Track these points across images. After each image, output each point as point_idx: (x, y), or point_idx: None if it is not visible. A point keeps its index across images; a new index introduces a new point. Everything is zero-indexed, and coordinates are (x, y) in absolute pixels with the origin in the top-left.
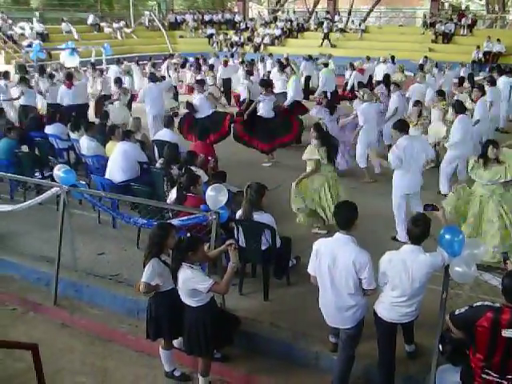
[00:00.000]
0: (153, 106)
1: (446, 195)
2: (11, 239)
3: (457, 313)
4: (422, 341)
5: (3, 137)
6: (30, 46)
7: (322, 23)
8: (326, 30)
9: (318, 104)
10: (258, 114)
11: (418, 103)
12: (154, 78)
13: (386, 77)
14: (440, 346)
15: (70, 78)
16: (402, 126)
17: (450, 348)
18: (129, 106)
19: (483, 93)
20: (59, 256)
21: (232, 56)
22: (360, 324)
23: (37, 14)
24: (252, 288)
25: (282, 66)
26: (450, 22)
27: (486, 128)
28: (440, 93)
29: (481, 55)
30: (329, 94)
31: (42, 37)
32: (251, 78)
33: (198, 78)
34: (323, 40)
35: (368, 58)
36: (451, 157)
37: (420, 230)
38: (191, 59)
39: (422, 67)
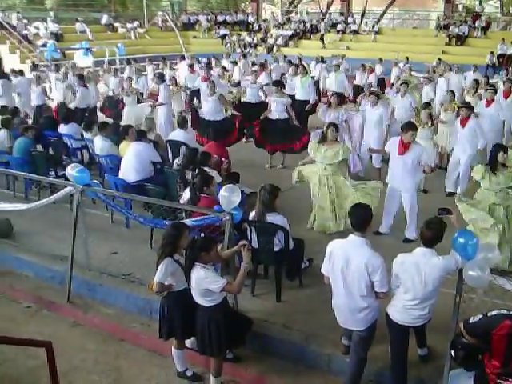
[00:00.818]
0: (165, 106)
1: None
2: (26, 237)
3: (471, 321)
4: (435, 344)
5: (19, 136)
6: (44, 45)
7: (336, 25)
8: (322, 32)
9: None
10: (270, 116)
11: (427, 105)
12: (164, 78)
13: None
14: (452, 352)
15: (82, 78)
16: (414, 127)
17: (462, 354)
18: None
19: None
20: (72, 255)
21: (244, 57)
22: (372, 326)
23: (51, 13)
24: (264, 289)
25: (297, 67)
26: (463, 24)
27: (500, 130)
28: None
29: (495, 59)
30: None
31: (57, 36)
32: (257, 80)
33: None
34: (322, 42)
35: (381, 60)
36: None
37: (432, 233)
38: (204, 60)
39: (435, 70)
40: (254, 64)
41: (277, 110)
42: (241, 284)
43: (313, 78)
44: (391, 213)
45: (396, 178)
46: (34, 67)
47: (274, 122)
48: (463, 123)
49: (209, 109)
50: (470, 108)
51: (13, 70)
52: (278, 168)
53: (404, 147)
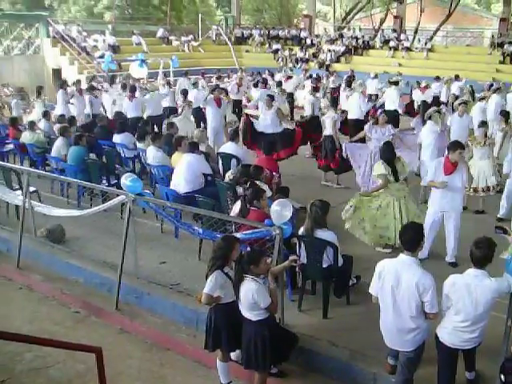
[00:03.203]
0: (214, 118)
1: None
2: (77, 243)
3: None
4: (484, 368)
5: (74, 144)
6: (101, 57)
7: (388, 41)
8: (328, 58)
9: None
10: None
11: (483, 124)
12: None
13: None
14: (502, 377)
15: (133, 90)
16: (462, 146)
17: None
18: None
19: None
20: (122, 262)
21: (291, 71)
22: (420, 348)
23: (109, 26)
24: (311, 305)
25: (350, 83)
26: None
27: None
28: (503, 113)
29: None
30: None
31: (114, 48)
32: (317, 94)
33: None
34: (324, 64)
35: (437, 78)
36: None
37: (481, 253)
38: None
39: (489, 89)
40: (309, 77)
41: (325, 126)
42: (276, 305)
43: (370, 96)
44: (432, 238)
45: (444, 199)
46: (91, 79)
47: (324, 138)
48: None
49: (266, 122)
50: None
51: (76, 82)
52: (336, 187)
53: (453, 166)
